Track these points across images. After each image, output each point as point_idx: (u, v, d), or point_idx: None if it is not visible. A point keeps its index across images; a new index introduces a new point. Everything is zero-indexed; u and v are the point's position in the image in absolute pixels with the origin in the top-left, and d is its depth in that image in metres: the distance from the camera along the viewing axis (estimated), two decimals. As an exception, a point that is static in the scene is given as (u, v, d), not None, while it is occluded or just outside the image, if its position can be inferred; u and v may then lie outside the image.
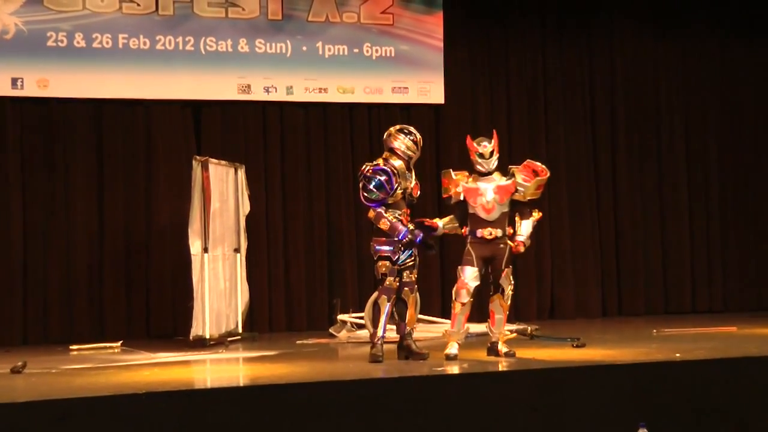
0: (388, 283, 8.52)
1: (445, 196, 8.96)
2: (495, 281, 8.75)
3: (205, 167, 10.89)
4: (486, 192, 8.80)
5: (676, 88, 14.10)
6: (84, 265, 11.93)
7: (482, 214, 8.74)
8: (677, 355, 8.52)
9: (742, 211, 14.21)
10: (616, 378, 7.83)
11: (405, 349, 8.68)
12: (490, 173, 8.84)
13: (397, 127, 8.92)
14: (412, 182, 8.78)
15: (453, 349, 8.69)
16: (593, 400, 7.59)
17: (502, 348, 8.79)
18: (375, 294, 8.78)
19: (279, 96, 12.55)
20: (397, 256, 8.54)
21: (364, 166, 8.72)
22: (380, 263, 8.57)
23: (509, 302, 8.86)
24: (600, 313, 13.61)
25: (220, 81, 12.33)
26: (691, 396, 7.74)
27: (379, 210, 8.54)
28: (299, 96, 12.62)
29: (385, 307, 8.51)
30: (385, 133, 8.90)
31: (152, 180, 12.19)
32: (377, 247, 8.60)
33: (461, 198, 8.82)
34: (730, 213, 14.16)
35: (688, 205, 14.05)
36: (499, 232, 8.73)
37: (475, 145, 8.88)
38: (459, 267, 8.76)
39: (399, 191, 8.60)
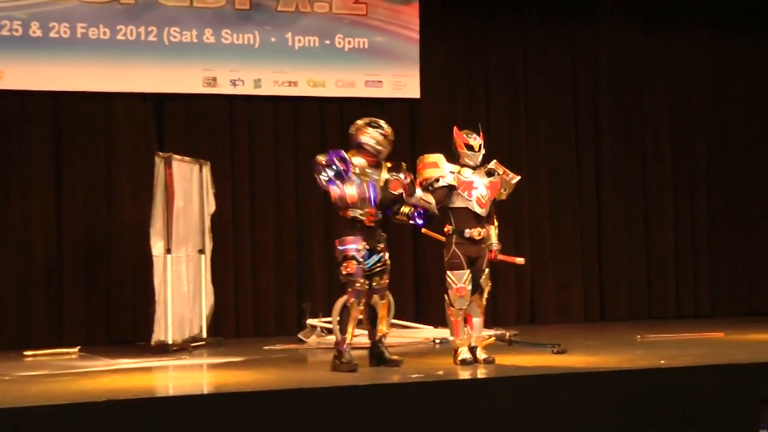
0: (359, 285, 8.46)
1: (426, 179, 8.78)
2: (475, 282, 8.76)
3: (168, 164, 10.84)
4: (480, 186, 8.81)
5: (662, 85, 14.16)
6: (41, 266, 11.87)
7: (477, 209, 8.75)
8: (662, 361, 8.54)
9: (730, 212, 14.28)
10: (599, 386, 7.84)
11: (377, 356, 8.65)
12: (476, 167, 8.86)
13: (366, 120, 8.76)
14: (381, 181, 8.65)
15: (466, 354, 8.72)
16: (575, 409, 7.61)
17: (481, 354, 8.79)
18: (344, 297, 8.69)
19: (246, 89, 12.52)
20: (362, 256, 8.47)
21: (318, 156, 8.58)
22: (345, 264, 8.47)
23: (485, 303, 8.89)
24: (582, 318, 13.64)
25: (184, 73, 12.29)
26: (678, 405, 7.76)
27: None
28: (268, 89, 12.59)
29: (355, 311, 8.46)
30: (352, 127, 8.80)
31: (113, 177, 12.14)
32: (341, 247, 8.52)
33: (448, 183, 8.76)
34: (717, 215, 14.23)
35: (674, 206, 14.11)
36: (484, 232, 8.77)
37: (464, 136, 8.87)
38: (448, 272, 8.73)
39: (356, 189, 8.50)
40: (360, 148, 8.62)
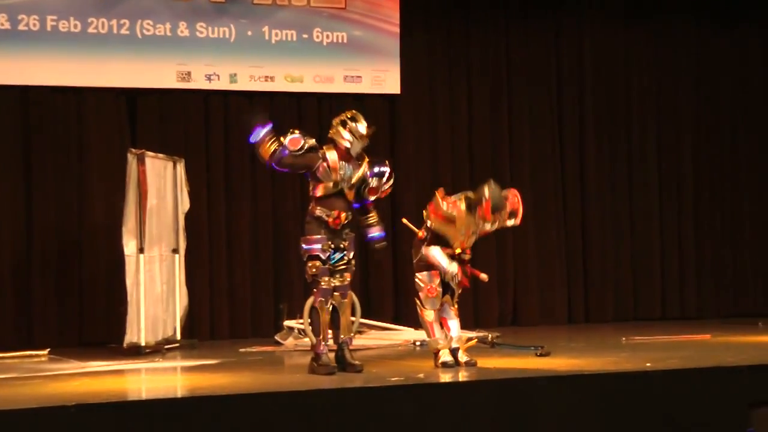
0: (324, 284, 8.45)
1: (441, 230, 8.77)
2: (445, 284, 8.79)
3: (141, 161, 10.80)
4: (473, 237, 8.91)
5: (648, 80, 14.19)
6: (9, 266, 11.82)
7: (458, 250, 8.80)
8: (648, 364, 8.56)
9: (717, 212, 14.33)
10: (583, 389, 7.85)
11: (341, 360, 8.62)
12: None
13: (342, 116, 8.72)
14: (356, 177, 8.60)
15: (447, 356, 8.72)
16: (558, 413, 7.61)
17: (462, 356, 8.79)
18: (311, 298, 8.67)
19: (222, 84, 12.49)
20: (327, 255, 8.45)
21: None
22: (310, 263, 8.47)
23: (457, 305, 8.90)
24: (566, 320, 13.67)
25: (157, 68, 12.25)
26: (663, 409, 7.77)
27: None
28: (243, 85, 12.56)
29: (325, 311, 8.45)
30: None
31: (84, 174, 12.10)
32: (305, 246, 8.51)
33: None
34: (704, 214, 14.28)
35: (660, 206, 14.15)
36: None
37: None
38: (417, 274, 8.79)
39: (330, 183, 8.49)
40: (334, 144, 8.63)
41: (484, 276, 8.98)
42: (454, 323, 8.85)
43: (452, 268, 8.66)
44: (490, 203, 8.61)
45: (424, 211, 8.93)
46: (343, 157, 8.57)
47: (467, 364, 8.74)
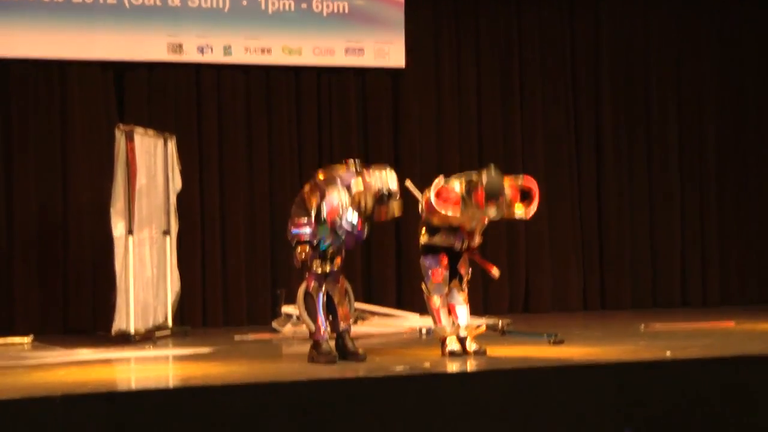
0: (315, 267, 8.46)
1: (442, 217, 8.70)
2: (452, 269, 8.78)
3: (129, 138, 10.80)
4: (476, 221, 8.79)
5: (668, 55, 14.17)
6: (-10, 249, 11.86)
7: (458, 232, 8.77)
8: (668, 353, 8.56)
9: (741, 194, 14.33)
10: (599, 379, 7.84)
11: (342, 349, 8.62)
12: None
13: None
14: (368, 210, 8.46)
15: (454, 345, 8.72)
16: (573, 405, 7.61)
17: (471, 345, 8.79)
18: (303, 284, 8.64)
19: (215, 57, 12.49)
20: (317, 239, 8.45)
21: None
22: (299, 248, 8.45)
23: (467, 290, 8.89)
24: (581, 306, 13.70)
25: (147, 39, 12.25)
26: (683, 399, 7.77)
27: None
28: (239, 57, 12.56)
29: (319, 297, 8.46)
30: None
31: (69, 152, 12.11)
32: (294, 231, 8.49)
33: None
34: (727, 196, 14.28)
35: (681, 187, 14.15)
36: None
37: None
38: (422, 259, 8.78)
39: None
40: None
41: (495, 272, 8.96)
42: (462, 310, 8.84)
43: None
44: (483, 190, 8.56)
45: (419, 204, 8.90)
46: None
47: (476, 352, 8.74)
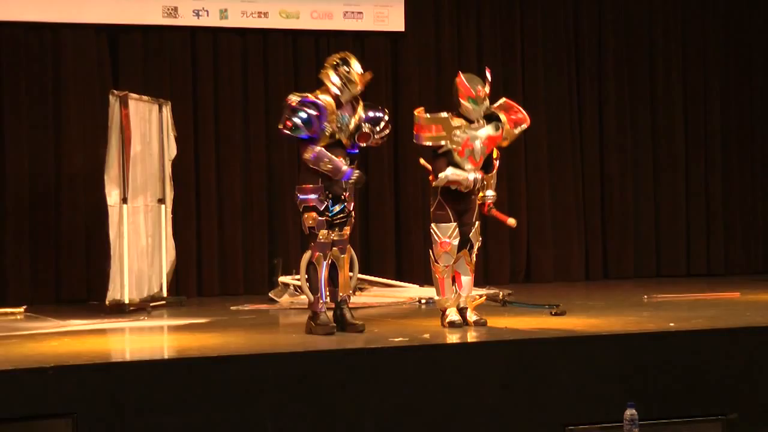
0: (321, 237, 8.43)
1: (429, 145, 8.75)
2: (463, 237, 8.74)
3: (124, 103, 10.77)
4: (476, 142, 8.75)
5: (673, 15, 14.10)
6: (-20, 217, 11.85)
7: (468, 166, 8.69)
8: (671, 324, 8.58)
9: (747, 161, 14.29)
10: (601, 351, 7.86)
11: (340, 320, 8.62)
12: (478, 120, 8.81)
13: (335, 58, 8.61)
14: (352, 124, 8.55)
15: (454, 315, 8.70)
16: (574, 377, 7.63)
17: (471, 316, 8.79)
18: (307, 253, 8.63)
19: (211, 21, 12.44)
20: (324, 206, 8.43)
21: (290, 96, 8.57)
22: (306, 215, 8.43)
23: (474, 259, 8.87)
24: (583, 276, 13.70)
25: (141, 2, 12.20)
26: (688, 372, 7.79)
27: (318, 149, 8.43)
28: (235, 21, 12.52)
29: (322, 267, 8.44)
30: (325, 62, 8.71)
31: (62, 118, 12.08)
32: (301, 197, 8.46)
33: (453, 147, 8.71)
34: (733, 163, 14.24)
35: (685, 154, 14.11)
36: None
37: (468, 85, 8.77)
38: (433, 225, 8.71)
39: (327, 132, 8.46)
40: (325, 89, 8.56)
41: (511, 221, 8.98)
42: (467, 280, 8.82)
43: (472, 174, 8.60)
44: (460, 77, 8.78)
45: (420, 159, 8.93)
46: (337, 104, 8.51)
47: (476, 323, 8.74)
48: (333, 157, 8.39)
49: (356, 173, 8.47)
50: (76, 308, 10.91)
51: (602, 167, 13.89)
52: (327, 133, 8.42)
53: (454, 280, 8.82)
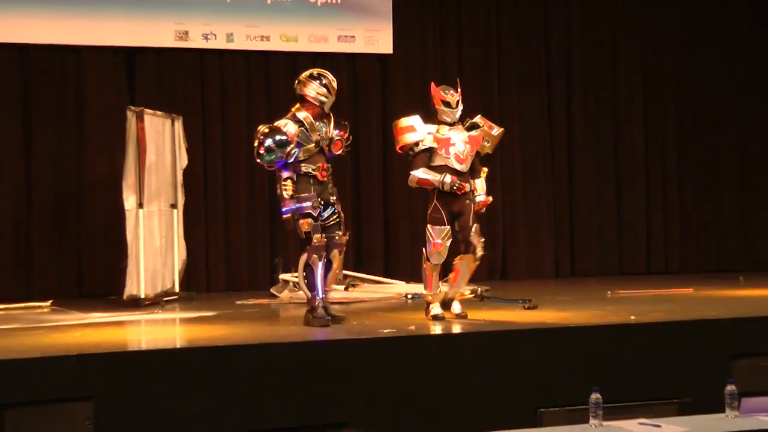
0: (316, 240, 8.41)
1: (405, 145, 8.74)
2: (465, 239, 8.68)
3: (140, 118, 10.77)
4: (458, 142, 8.75)
5: (635, 42, 14.12)
6: (10, 220, 11.81)
7: (456, 165, 8.63)
8: (632, 317, 8.58)
9: (700, 170, 14.31)
10: (569, 341, 7.88)
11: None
12: (454, 123, 8.81)
13: (307, 73, 8.64)
14: (330, 132, 8.57)
15: (437, 309, 8.66)
16: (545, 364, 7.64)
17: (456, 307, 8.75)
18: (304, 255, 8.63)
19: (218, 44, 12.43)
20: (318, 212, 8.45)
21: (260, 127, 8.55)
22: (302, 221, 8.41)
23: (477, 264, 8.83)
24: (553, 274, 13.70)
25: (155, 26, 12.18)
26: (647, 360, 7.81)
27: (284, 174, 8.42)
28: (240, 44, 12.50)
29: (318, 267, 8.43)
30: (296, 82, 8.67)
31: (84, 131, 12.06)
32: (297, 205, 8.42)
33: (429, 146, 8.70)
34: (687, 172, 14.26)
35: (645, 164, 14.13)
36: (467, 186, 8.68)
37: (441, 92, 8.80)
38: (428, 226, 8.63)
39: (312, 145, 8.47)
40: (304, 101, 8.56)
41: (487, 198, 8.91)
42: (463, 276, 8.76)
43: (449, 177, 8.54)
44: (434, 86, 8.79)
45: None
46: (316, 116, 8.53)
47: (458, 316, 8.71)
48: (289, 187, 8.41)
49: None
50: (96, 302, 10.88)
51: (570, 176, 13.90)
52: (311, 146, 8.44)
53: (445, 275, 8.81)
